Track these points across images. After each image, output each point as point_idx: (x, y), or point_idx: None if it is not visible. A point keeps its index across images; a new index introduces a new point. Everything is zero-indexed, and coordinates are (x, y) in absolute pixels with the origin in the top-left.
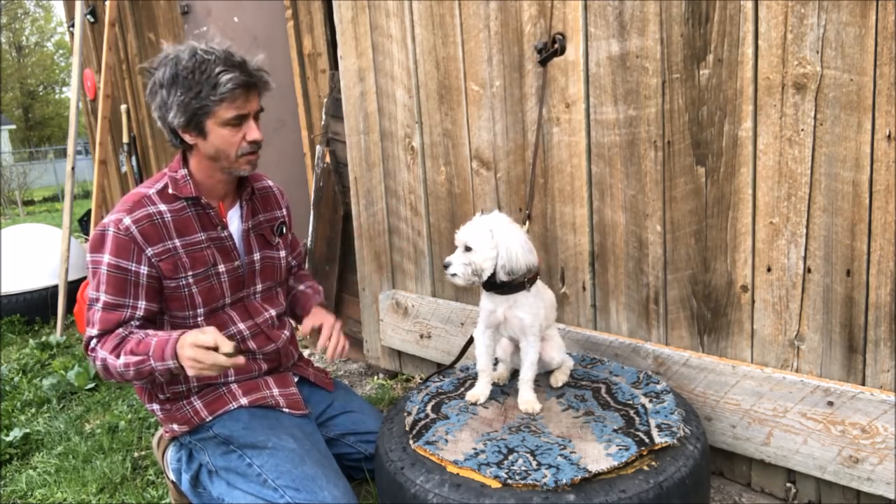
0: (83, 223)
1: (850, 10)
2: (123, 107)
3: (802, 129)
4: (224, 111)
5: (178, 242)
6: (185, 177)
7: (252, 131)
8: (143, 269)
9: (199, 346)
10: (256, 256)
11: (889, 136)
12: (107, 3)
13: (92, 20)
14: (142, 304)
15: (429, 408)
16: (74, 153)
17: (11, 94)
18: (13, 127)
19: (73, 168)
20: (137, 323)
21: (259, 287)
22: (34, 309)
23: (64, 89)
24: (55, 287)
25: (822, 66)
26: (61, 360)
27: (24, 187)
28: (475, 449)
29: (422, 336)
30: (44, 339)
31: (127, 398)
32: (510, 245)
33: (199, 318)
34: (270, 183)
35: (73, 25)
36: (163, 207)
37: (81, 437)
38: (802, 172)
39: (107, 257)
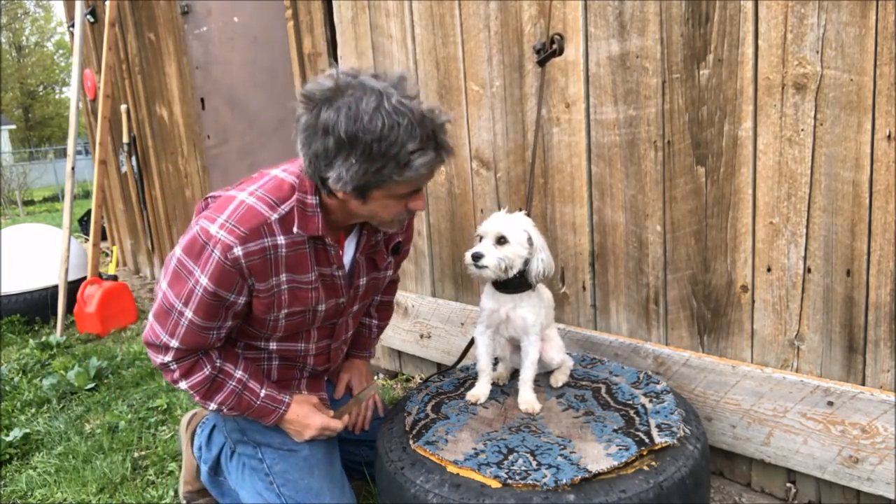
0: (83, 223)
1: (850, 10)
2: (123, 107)
3: (802, 129)
4: (402, 188)
5: (283, 278)
6: (315, 207)
7: (418, 201)
8: (241, 299)
9: (309, 426)
10: (362, 281)
11: (889, 136)
12: (107, 3)
13: (92, 20)
14: (228, 323)
15: (429, 408)
16: (74, 153)
17: (11, 94)
18: (13, 127)
19: (73, 168)
20: (220, 344)
21: (356, 308)
22: (34, 309)
23: (64, 89)
24: (55, 287)
25: (822, 66)
26: (61, 360)
27: (24, 187)
28: (475, 449)
29: (422, 336)
30: (44, 339)
31: (127, 398)
32: (545, 249)
33: (272, 340)
34: None
35: (73, 25)
36: (281, 241)
37: (81, 437)
38: (802, 172)
39: (205, 280)
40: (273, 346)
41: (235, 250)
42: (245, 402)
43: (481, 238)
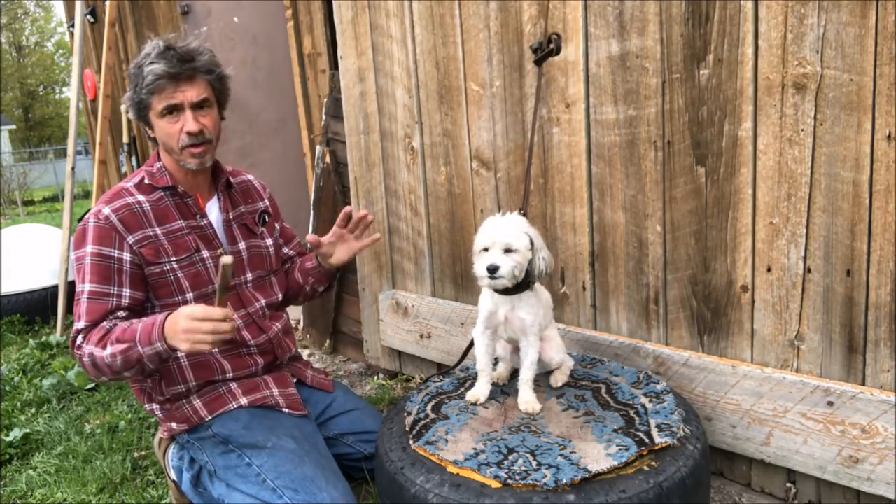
0: None
1: (850, 10)
2: (123, 107)
3: (802, 129)
4: (157, 103)
5: (158, 230)
6: (161, 169)
7: (188, 122)
8: (126, 256)
9: (194, 318)
10: (242, 246)
11: (889, 136)
12: (107, 3)
13: (92, 20)
14: (126, 292)
15: (429, 408)
16: (74, 153)
17: (11, 94)
18: (13, 127)
19: (73, 168)
20: (123, 314)
21: (249, 276)
22: (34, 309)
23: (64, 89)
24: (55, 287)
25: (822, 66)
26: (61, 360)
27: (24, 187)
28: (475, 449)
29: (422, 336)
30: (44, 339)
31: (127, 398)
32: (544, 247)
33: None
34: (250, 177)
35: (73, 25)
36: (141, 198)
37: (81, 437)
38: (802, 172)
39: (89, 247)
40: None
41: (105, 210)
42: (129, 331)
43: (486, 249)
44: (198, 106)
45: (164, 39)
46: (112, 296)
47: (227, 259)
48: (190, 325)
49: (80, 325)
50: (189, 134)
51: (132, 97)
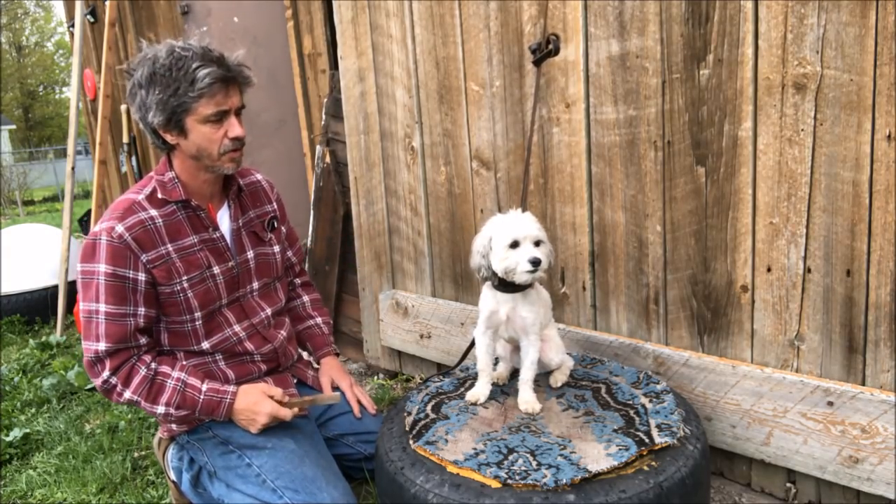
0: (83, 223)
1: (850, 10)
2: (123, 107)
3: (802, 129)
4: (204, 107)
5: (171, 248)
6: (173, 180)
7: (234, 128)
8: (141, 276)
9: (274, 419)
10: (250, 255)
11: (889, 136)
12: (107, 3)
13: (92, 20)
14: (141, 310)
15: (429, 408)
16: (74, 153)
17: (11, 94)
18: (13, 127)
19: (73, 168)
20: (144, 339)
21: (256, 285)
22: (34, 309)
23: (64, 89)
24: (55, 287)
25: (822, 66)
26: (61, 360)
27: (24, 187)
28: (475, 449)
29: (422, 336)
30: (44, 339)
31: None
32: (548, 240)
33: (196, 322)
34: (259, 177)
35: (73, 25)
36: (153, 213)
37: (81, 437)
38: (802, 172)
39: (103, 266)
40: (206, 345)
41: (118, 228)
42: (189, 398)
43: (515, 244)
44: (237, 112)
45: (196, 42)
46: (129, 316)
47: (336, 396)
48: (269, 422)
49: (100, 346)
50: (233, 139)
51: (165, 100)
